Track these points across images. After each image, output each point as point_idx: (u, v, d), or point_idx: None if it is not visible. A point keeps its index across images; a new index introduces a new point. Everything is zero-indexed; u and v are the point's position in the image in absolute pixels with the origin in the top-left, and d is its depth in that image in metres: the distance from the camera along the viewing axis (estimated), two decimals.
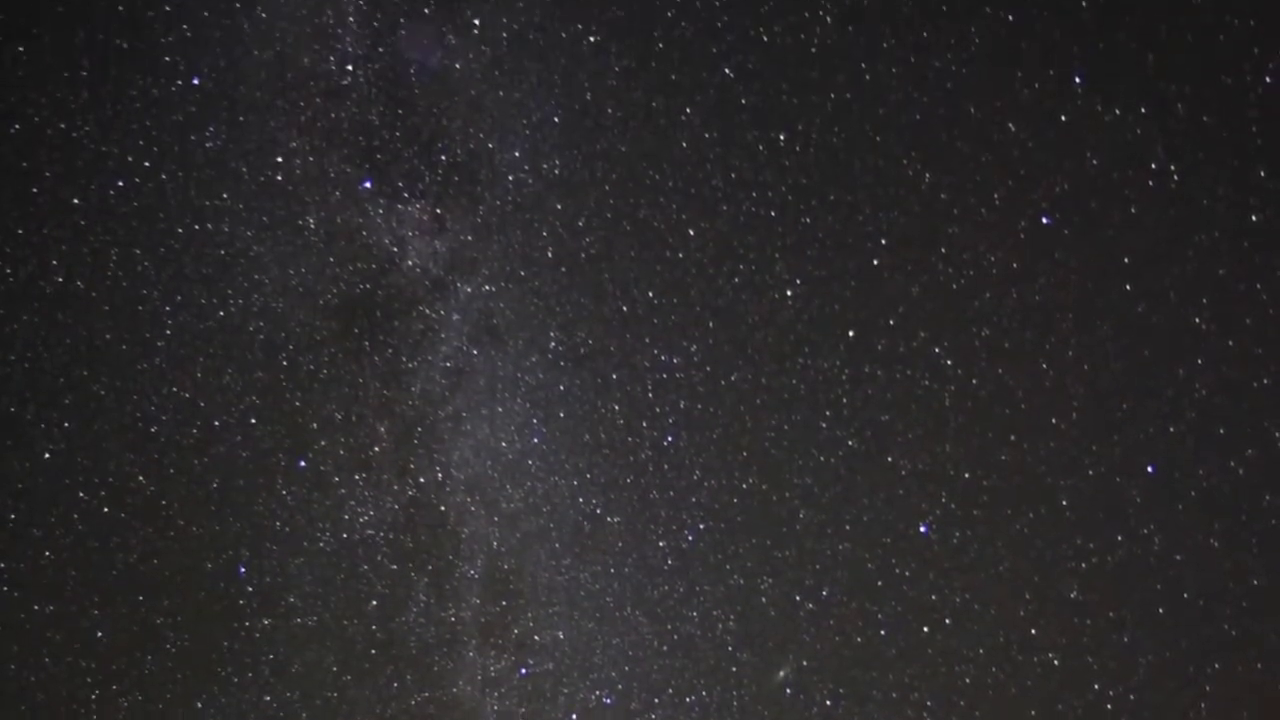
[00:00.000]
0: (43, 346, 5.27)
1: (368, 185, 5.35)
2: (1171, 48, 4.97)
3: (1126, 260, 5.23)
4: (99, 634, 5.46)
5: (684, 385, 5.50)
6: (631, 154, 5.30)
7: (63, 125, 5.11)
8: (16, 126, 5.09)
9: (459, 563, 5.63)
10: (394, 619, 5.64)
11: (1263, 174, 5.08)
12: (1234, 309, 5.20)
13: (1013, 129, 5.15)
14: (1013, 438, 5.41)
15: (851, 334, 5.41)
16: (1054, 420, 5.39)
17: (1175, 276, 5.20)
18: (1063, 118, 5.10)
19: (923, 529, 5.54)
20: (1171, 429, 5.34)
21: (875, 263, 5.32)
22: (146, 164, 5.20)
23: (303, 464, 5.51)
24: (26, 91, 5.07)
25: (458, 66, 5.26)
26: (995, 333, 5.33)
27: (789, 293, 5.38)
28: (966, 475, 5.46)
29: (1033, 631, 5.54)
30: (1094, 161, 5.14)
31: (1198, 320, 5.23)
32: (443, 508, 5.60)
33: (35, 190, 5.15)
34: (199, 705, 5.58)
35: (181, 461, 5.42)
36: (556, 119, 5.29)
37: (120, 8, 5.08)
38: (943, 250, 5.29)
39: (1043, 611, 5.53)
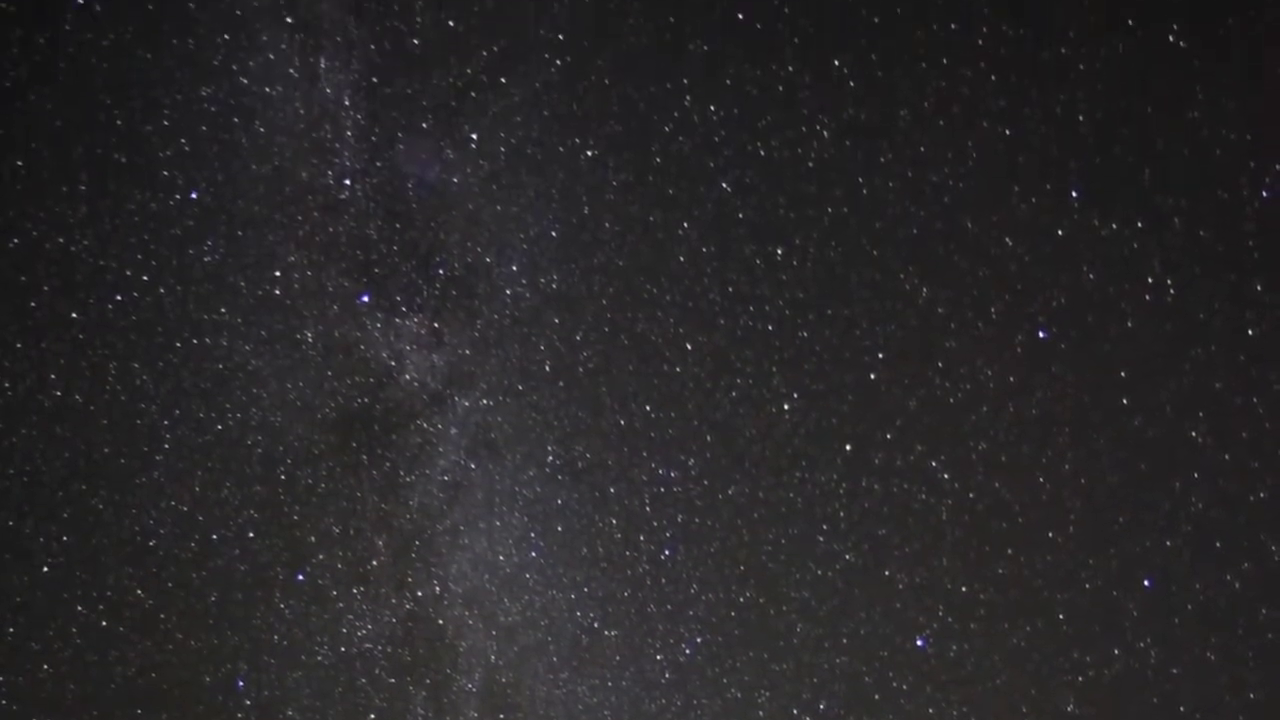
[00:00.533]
0: (41, 460, 5.28)
1: (365, 299, 5.37)
2: (1168, 161, 4.97)
3: (1123, 374, 5.23)
4: None
5: (681, 499, 5.52)
6: (629, 268, 5.31)
7: (61, 239, 5.12)
8: (15, 240, 5.10)
9: (457, 676, 5.64)
10: None
11: (1259, 288, 5.08)
12: (1231, 423, 5.20)
13: (1009, 243, 5.15)
14: (1010, 551, 5.42)
15: (849, 448, 5.41)
16: (1051, 534, 5.39)
17: (1172, 390, 5.20)
18: (1059, 231, 5.10)
19: (920, 642, 5.54)
20: (1168, 542, 5.34)
21: (872, 376, 5.33)
22: (145, 278, 5.22)
23: (301, 577, 5.52)
24: (25, 205, 5.08)
25: (455, 181, 5.27)
26: (992, 446, 5.34)
27: (786, 406, 5.39)
28: (964, 589, 5.47)
29: None
30: (1091, 275, 5.14)
31: (1194, 434, 5.23)
32: (441, 621, 5.62)
33: (34, 304, 5.16)
34: None
35: (180, 575, 5.44)
36: (554, 233, 5.30)
37: (119, 122, 5.09)
38: (940, 364, 5.29)
39: None
